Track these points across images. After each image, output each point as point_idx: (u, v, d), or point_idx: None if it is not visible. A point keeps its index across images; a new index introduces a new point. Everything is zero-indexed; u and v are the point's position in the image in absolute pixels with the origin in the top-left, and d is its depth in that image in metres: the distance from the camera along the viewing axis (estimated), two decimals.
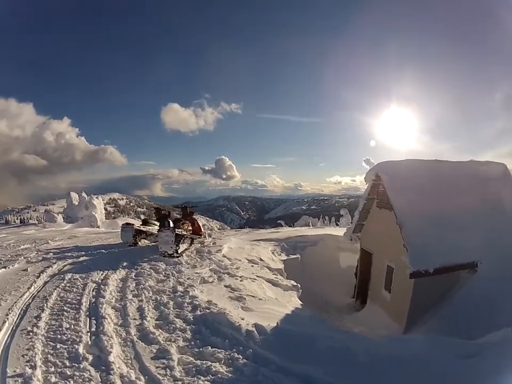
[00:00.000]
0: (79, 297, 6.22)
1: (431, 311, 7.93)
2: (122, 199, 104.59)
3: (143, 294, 6.58)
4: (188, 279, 7.69)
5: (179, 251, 9.37)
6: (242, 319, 5.61)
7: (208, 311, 5.84)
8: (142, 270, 7.98)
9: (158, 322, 5.52)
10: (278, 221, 27.40)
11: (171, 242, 9.04)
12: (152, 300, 6.38)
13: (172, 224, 10.57)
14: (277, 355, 4.65)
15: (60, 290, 6.56)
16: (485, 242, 8.15)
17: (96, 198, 29.07)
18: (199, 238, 11.40)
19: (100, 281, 7.15)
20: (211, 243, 11.68)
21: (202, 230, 11.95)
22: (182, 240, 9.57)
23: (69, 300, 6.13)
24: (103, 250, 9.90)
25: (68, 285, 6.87)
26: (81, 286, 6.84)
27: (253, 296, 7.23)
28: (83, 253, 9.55)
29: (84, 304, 5.93)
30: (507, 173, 10.13)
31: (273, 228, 20.53)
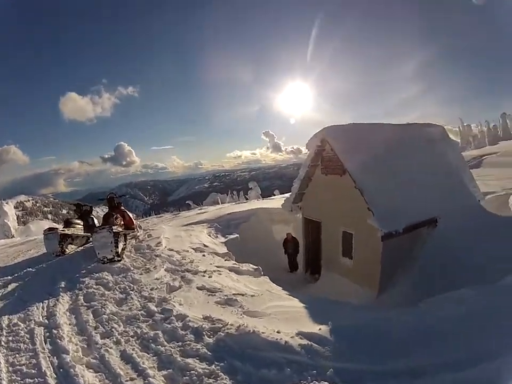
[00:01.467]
0: (34, 360, 3.93)
1: (399, 271, 7.79)
2: (29, 200, 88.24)
3: (113, 330, 4.46)
4: (151, 289, 5.78)
5: (119, 253, 7.25)
6: (278, 332, 4.10)
7: (222, 334, 4.13)
8: (89, 290, 5.75)
9: (167, 373, 3.60)
10: (186, 202, 25.84)
11: (110, 245, 6.96)
12: (132, 337, 4.33)
13: (96, 221, 8.71)
14: (364, 363, 3.48)
15: (3, 351, 4.17)
16: (440, 198, 8.31)
17: (6, 203, 22.29)
18: (132, 232, 9.10)
19: (47, 321, 4.81)
20: (146, 236, 9.47)
21: (135, 222, 9.59)
22: (119, 239, 7.36)
23: (24, 368, 3.79)
24: (31, 269, 7.19)
25: (11, 338, 4.45)
26: (28, 336, 4.48)
27: (242, 295, 5.72)
28: (9, 277, 6.89)
29: (47, 372, 3.67)
30: (446, 134, 10.58)
31: (184, 210, 18.63)
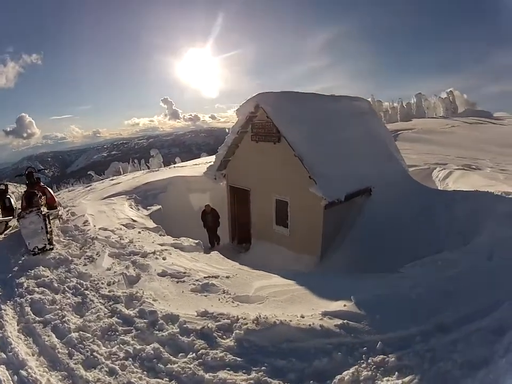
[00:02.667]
0: None
1: (338, 238, 7.86)
2: None
3: (96, 355, 3.28)
4: (108, 285, 4.59)
5: (51, 240, 5.77)
6: (302, 317, 3.60)
7: (240, 332, 3.42)
8: (34, 296, 4.28)
9: None
10: (88, 172, 23.14)
11: (41, 231, 5.49)
12: (126, 359, 3.24)
13: (13, 202, 6.95)
14: (402, 329, 3.37)
15: None
16: (373, 169, 8.43)
17: None
18: (55, 211, 7.30)
19: (4, 355, 3.26)
20: (69, 214, 7.63)
21: (56, 199, 7.74)
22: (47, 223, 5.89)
23: None
24: None
25: None
26: None
27: (215, 277, 4.93)
28: None
29: None
30: (371, 107, 10.90)
31: (87, 181, 15.56)
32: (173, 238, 7.08)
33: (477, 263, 4.66)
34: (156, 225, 7.93)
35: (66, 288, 4.46)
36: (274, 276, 5.14)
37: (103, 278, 4.71)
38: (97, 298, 4.21)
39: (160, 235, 7.33)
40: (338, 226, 8.04)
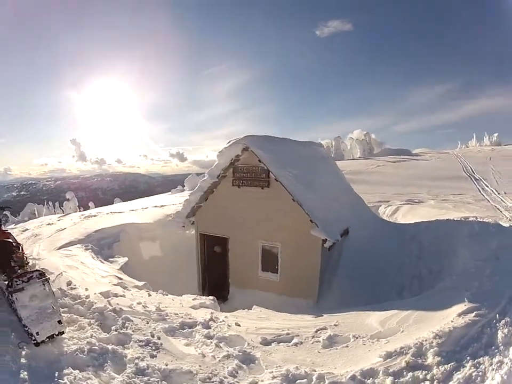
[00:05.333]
0: None
1: (327, 278, 8.11)
2: None
3: None
4: (233, 376, 3.51)
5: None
6: (452, 321, 4.36)
7: (440, 351, 3.76)
8: None
9: None
10: (4, 213, 20.16)
11: (52, 311, 3.57)
12: None
13: None
14: (496, 304, 4.60)
15: None
16: (347, 209, 9.16)
17: None
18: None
19: None
20: (38, 267, 5.11)
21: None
22: None
23: None
24: None
25: None
26: None
27: (324, 329, 4.69)
28: None
29: None
30: (328, 153, 11.86)
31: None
32: (194, 297, 6.21)
33: (493, 264, 6.14)
34: (144, 282, 6.65)
35: None
36: (369, 312, 5.21)
37: (213, 372, 3.47)
38: None
39: (162, 294, 6.17)
40: (327, 267, 8.33)
